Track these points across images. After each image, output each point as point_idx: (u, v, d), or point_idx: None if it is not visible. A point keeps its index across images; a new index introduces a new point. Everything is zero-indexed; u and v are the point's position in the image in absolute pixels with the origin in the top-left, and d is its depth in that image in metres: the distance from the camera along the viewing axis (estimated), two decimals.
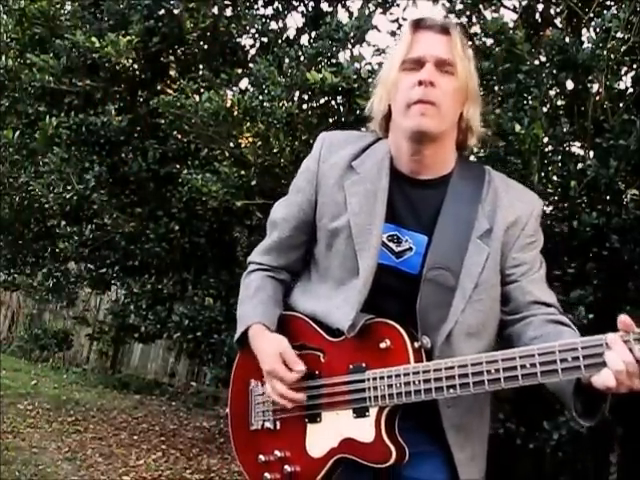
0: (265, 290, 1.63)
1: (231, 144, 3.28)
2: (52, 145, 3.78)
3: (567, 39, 2.66)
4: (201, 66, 3.90)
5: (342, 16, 3.88)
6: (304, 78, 2.92)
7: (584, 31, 3.02)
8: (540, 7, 3.43)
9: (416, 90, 1.43)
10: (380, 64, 3.20)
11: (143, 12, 3.67)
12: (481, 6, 3.25)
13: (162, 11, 3.75)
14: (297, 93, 3.15)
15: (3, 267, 5.04)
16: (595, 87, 2.68)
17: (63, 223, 4.22)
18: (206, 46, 3.87)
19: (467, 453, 1.47)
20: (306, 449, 1.53)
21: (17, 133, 3.96)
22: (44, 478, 3.94)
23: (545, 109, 2.80)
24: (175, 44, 3.91)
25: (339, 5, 4.06)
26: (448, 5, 3.13)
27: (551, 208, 2.81)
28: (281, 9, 4.06)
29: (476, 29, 3.14)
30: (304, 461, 1.53)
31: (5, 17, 4.09)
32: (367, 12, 3.33)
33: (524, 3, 3.36)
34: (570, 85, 2.88)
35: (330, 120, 3.12)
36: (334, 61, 3.20)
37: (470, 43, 3.24)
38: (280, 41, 3.77)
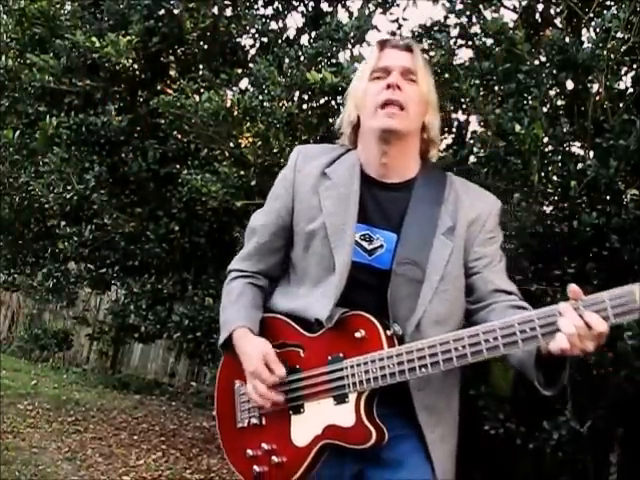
0: (246, 295, 1.73)
1: (231, 144, 3.28)
2: (52, 145, 3.78)
3: (567, 39, 2.66)
4: (201, 66, 3.89)
5: (342, 16, 3.89)
6: (304, 78, 2.92)
7: (584, 31, 3.02)
8: (540, 7, 3.43)
9: (384, 93, 1.59)
10: None
11: (143, 12, 3.66)
12: (481, 6, 3.25)
13: (162, 11, 3.75)
14: (297, 93, 3.15)
15: (3, 267, 5.04)
16: (595, 87, 2.68)
17: (63, 223, 4.22)
18: (206, 46, 3.87)
19: (437, 433, 1.59)
20: (291, 439, 1.61)
21: (17, 133, 3.95)
22: (44, 478, 3.94)
23: (545, 109, 2.80)
24: (175, 44, 3.91)
25: (339, 5, 4.06)
26: (448, 5, 3.13)
27: (551, 208, 2.81)
28: (281, 9, 4.06)
29: (476, 29, 3.14)
30: (290, 451, 1.61)
31: (5, 17, 4.09)
32: (367, 12, 3.33)
33: (524, 3, 3.36)
34: (570, 85, 2.88)
35: (330, 120, 3.12)
36: (334, 61, 3.20)
37: (470, 43, 3.25)
38: (280, 41, 3.76)
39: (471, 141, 3.16)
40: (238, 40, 3.97)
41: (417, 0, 4.02)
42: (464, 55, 3.32)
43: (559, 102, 2.94)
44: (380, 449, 1.55)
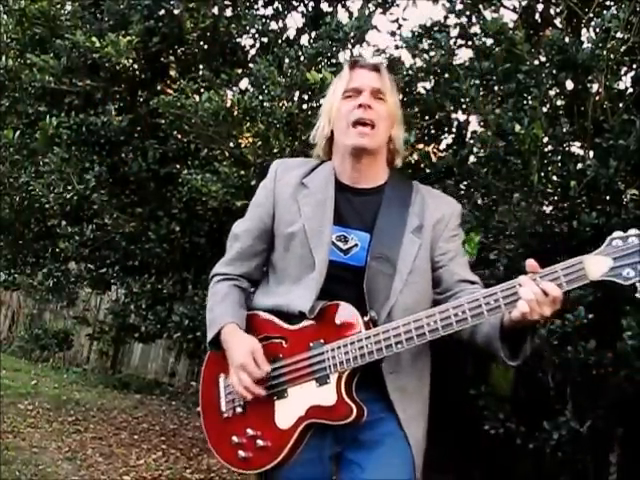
0: (232, 295, 1.87)
1: (231, 144, 3.28)
2: (52, 145, 3.78)
3: (567, 39, 2.66)
4: (201, 66, 3.89)
5: (342, 16, 3.89)
6: (304, 78, 2.92)
7: (584, 31, 3.02)
8: (540, 7, 3.43)
9: (356, 112, 1.76)
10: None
11: (143, 12, 3.66)
12: (481, 6, 3.25)
13: (162, 11, 3.75)
14: (297, 93, 3.15)
15: (3, 267, 5.04)
16: (595, 87, 2.68)
17: (63, 223, 4.21)
18: (206, 46, 3.86)
19: (408, 413, 1.74)
20: (276, 423, 1.73)
21: (17, 133, 3.95)
22: (44, 478, 3.94)
23: (545, 109, 2.80)
24: (175, 44, 3.91)
25: (339, 5, 4.06)
26: (448, 5, 3.13)
27: (551, 208, 2.81)
28: (281, 9, 4.06)
29: (476, 29, 3.14)
30: (275, 434, 1.73)
31: (5, 17, 4.08)
32: (367, 12, 3.33)
33: (524, 3, 3.36)
34: (570, 85, 2.88)
35: None
36: (334, 61, 3.20)
37: (470, 43, 3.25)
38: (280, 41, 3.76)
39: (471, 141, 3.16)
40: (238, 40, 3.97)
41: (417, 0, 4.03)
42: (464, 55, 3.32)
43: (559, 102, 2.95)
44: (359, 431, 1.70)
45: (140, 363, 7.53)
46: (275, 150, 3.09)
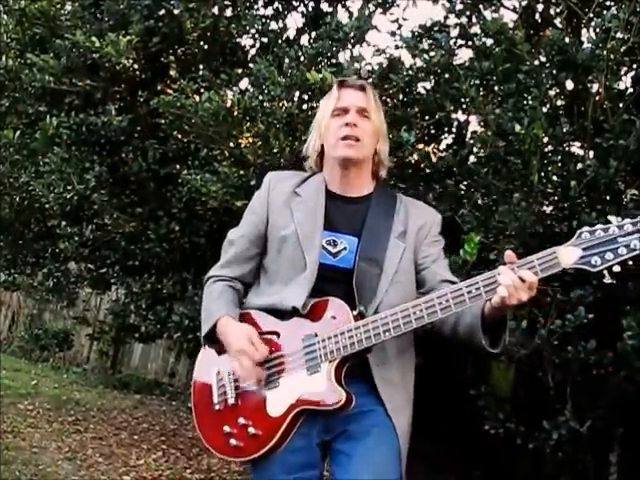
0: (227, 294, 1.98)
1: (231, 144, 3.28)
2: (52, 145, 3.77)
3: (567, 39, 2.66)
4: (201, 66, 3.88)
5: (342, 16, 3.88)
6: (304, 78, 2.92)
7: (584, 31, 3.02)
8: (540, 7, 3.43)
9: (343, 129, 1.94)
10: (380, 64, 3.21)
11: (143, 12, 3.66)
12: (481, 6, 3.25)
13: (162, 11, 3.74)
14: (297, 93, 3.15)
15: (3, 267, 5.04)
16: (595, 87, 2.68)
17: (63, 223, 4.21)
18: (206, 46, 3.86)
19: (394, 403, 1.85)
20: (267, 412, 1.82)
21: (17, 133, 3.94)
22: (44, 478, 3.94)
23: (545, 109, 2.80)
24: (175, 44, 3.90)
25: (339, 5, 4.06)
26: (448, 5, 3.13)
27: (551, 208, 2.81)
28: (281, 9, 4.05)
29: (476, 29, 3.14)
30: (266, 422, 1.81)
31: (5, 17, 4.08)
32: (367, 12, 3.32)
33: (524, 3, 3.36)
34: (570, 85, 2.88)
35: None
36: (334, 61, 3.20)
37: (470, 43, 3.25)
38: (280, 41, 3.76)
39: (471, 141, 3.16)
40: (238, 40, 3.96)
41: (417, 0, 4.02)
42: (464, 55, 3.31)
43: (559, 102, 2.94)
44: (348, 423, 1.82)
45: (140, 363, 7.54)
46: (275, 150, 3.09)
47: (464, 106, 3.04)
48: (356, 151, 1.94)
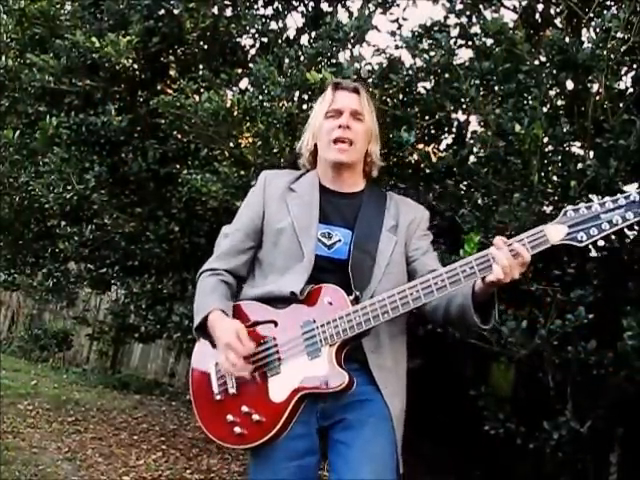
0: (219, 288, 2.01)
1: (231, 144, 3.28)
2: (52, 145, 3.78)
3: (567, 39, 2.66)
4: (201, 66, 3.89)
5: (342, 16, 3.86)
6: (304, 78, 2.92)
7: (584, 31, 3.02)
8: (540, 7, 3.43)
9: (336, 131, 2.00)
10: (380, 64, 3.21)
11: (143, 12, 3.66)
12: (481, 6, 3.25)
13: (162, 11, 3.74)
14: (297, 93, 3.15)
15: (3, 267, 5.04)
16: (595, 87, 2.68)
17: (63, 223, 4.21)
18: (206, 46, 3.86)
19: (389, 390, 1.91)
20: (270, 398, 1.85)
21: (17, 133, 3.94)
22: (44, 478, 3.93)
23: (545, 109, 2.80)
24: (175, 44, 3.91)
25: (339, 5, 4.06)
26: (448, 5, 3.13)
27: (551, 208, 2.81)
28: (281, 9, 4.06)
29: (476, 29, 3.14)
30: (269, 408, 1.84)
31: (5, 17, 4.08)
32: (367, 12, 3.32)
33: (524, 3, 3.36)
34: (570, 85, 2.88)
35: None
36: (334, 61, 3.20)
37: (470, 43, 3.25)
38: (280, 41, 3.76)
39: (471, 141, 3.16)
40: (238, 40, 3.96)
41: (417, 0, 4.02)
42: (464, 55, 3.30)
43: (559, 102, 2.94)
44: (347, 411, 1.86)
45: (140, 363, 7.53)
46: (275, 150, 3.09)
47: (464, 106, 3.03)
48: (348, 156, 2.00)
